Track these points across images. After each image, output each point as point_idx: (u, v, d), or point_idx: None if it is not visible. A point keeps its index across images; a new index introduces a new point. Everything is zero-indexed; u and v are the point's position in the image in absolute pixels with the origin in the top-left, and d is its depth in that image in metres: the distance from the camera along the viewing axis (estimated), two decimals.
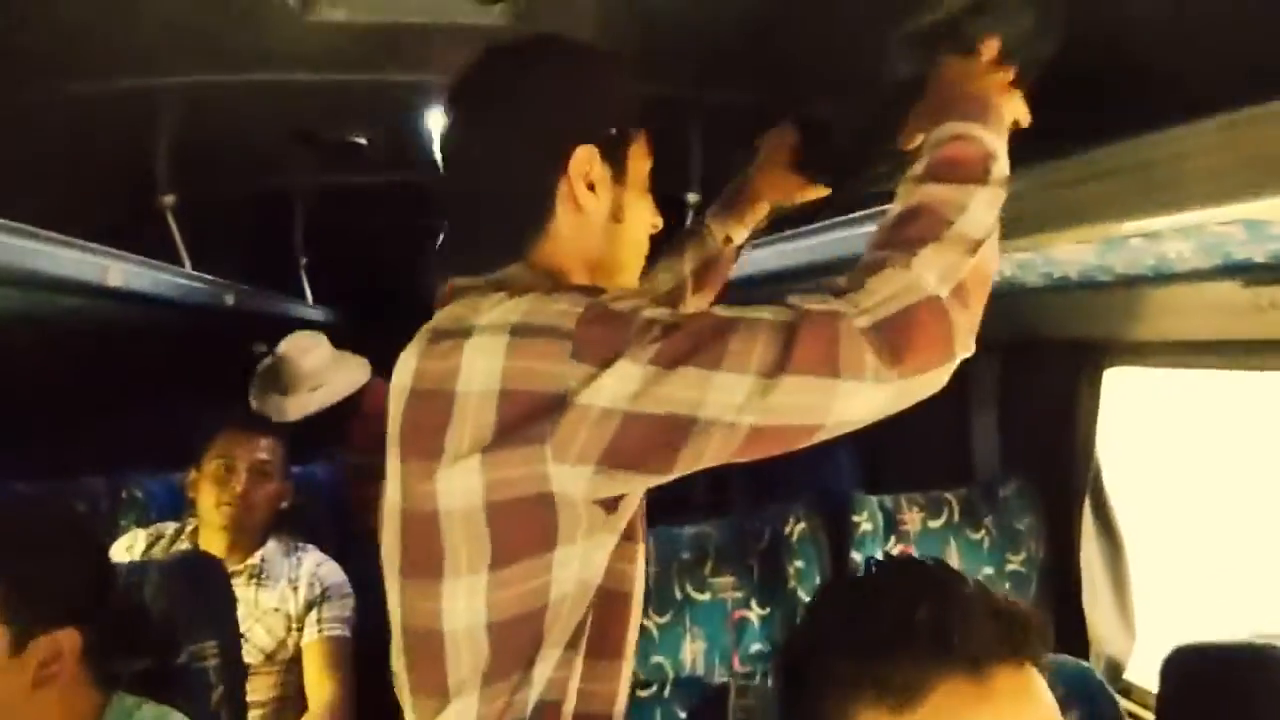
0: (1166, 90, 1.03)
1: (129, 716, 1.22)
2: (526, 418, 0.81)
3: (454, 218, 1.07)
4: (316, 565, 2.12)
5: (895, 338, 0.82)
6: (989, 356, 2.17)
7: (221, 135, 1.96)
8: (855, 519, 1.85)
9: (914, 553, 1.91)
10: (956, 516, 1.95)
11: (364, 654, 2.06)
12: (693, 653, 1.70)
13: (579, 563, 0.87)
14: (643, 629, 1.66)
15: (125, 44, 1.38)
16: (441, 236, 1.08)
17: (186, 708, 1.28)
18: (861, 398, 0.82)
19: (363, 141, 2.08)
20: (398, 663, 0.94)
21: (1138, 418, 1.91)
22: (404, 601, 0.91)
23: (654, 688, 1.69)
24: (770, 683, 1.63)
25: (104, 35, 1.33)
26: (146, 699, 1.25)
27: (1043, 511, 1.94)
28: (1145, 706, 1.78)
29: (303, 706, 2.03)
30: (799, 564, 1.78)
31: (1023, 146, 1.03)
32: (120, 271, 1.75)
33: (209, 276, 2.43)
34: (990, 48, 1.04)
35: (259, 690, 1.99)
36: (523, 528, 0.84)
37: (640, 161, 1.05)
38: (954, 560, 1.92)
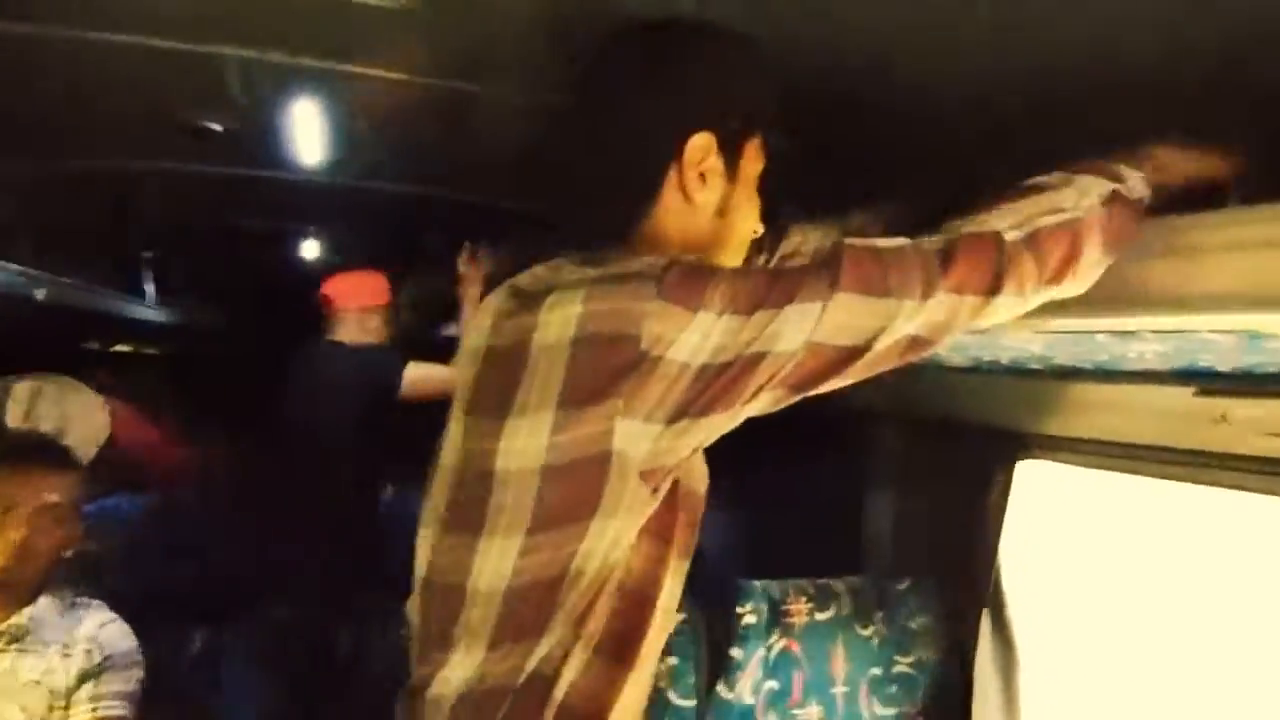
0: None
1: None
2: (601, 370, 0.81)
3: (560, 190, 1.06)
4: (99, 627, 1.71)
5: (949, 251, 0.88)
6: (892, 430, 2.01)
7: (44, 101, 1.59)
8: (739, 610, 1.63)
9: (797, 649, 1.71)
10: (846, 609, 1.77)
11: None
12: None
13: (610, 538, 0.86)
14: None
15: None
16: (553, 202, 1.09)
17: None
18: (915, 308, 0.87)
19: (218, 128, 1.75)
20: (414, 613, 0.95)
21: (1043, 512, 1.77)
22: (436, 556, 0.91)
23: None
24: None
25: None
26: None
27: (939, 612, 1.77)
28: None
29: None
30: (672, 661, 1.55)
31: None
32: None
33: (14, 266, 2.04)
34: None
35: None
36: (571, 493, 0.84)
37: (754, 161, 1.01)
38: (839, 659, 1.73)
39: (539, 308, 0.84)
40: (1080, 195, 0.91)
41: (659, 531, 0.93)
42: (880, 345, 0.86)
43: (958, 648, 1.76)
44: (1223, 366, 1.15)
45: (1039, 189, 0.93)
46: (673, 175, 0.96)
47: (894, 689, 1.76)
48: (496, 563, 0.86)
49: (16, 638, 1.64)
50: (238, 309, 3.92)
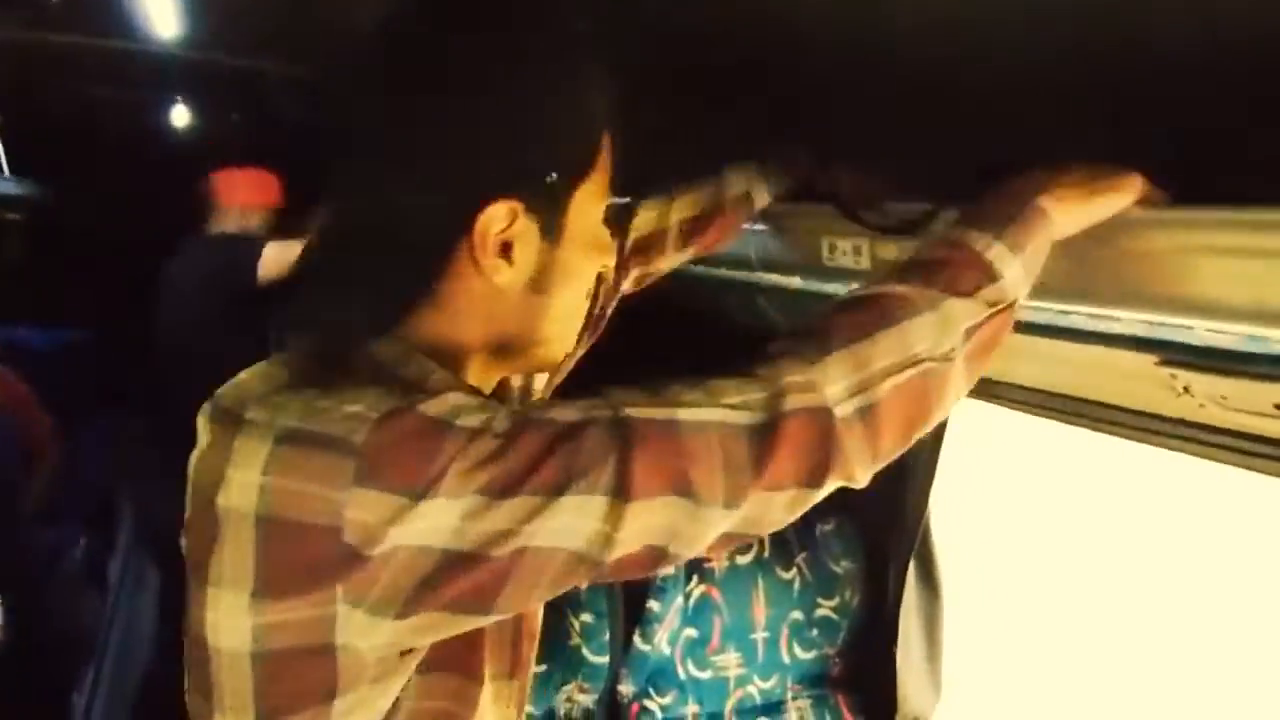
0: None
1: None
2: (297, 563, 0.62)
3: (321, 255, 0.76)
4: None
5: (768, 436, 0.66)
6: None
7: None
8: None
9: (717, 595, 1.63)
10: (767, 552, 1.69)
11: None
12: None
13: (362, 709, 0.68)
14: None
15: None
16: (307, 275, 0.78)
17: None
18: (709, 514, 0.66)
19: None
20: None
21: (975, 457, 1.71)
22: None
23: None
24: None
25: None
26: None
27: (864, 554, 1.71)
28: None
29: None
30: (585, 618, 1.45)
31: None
32: None
33: None
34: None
35: None
36: (291, 686, 0.66)
37: (591, 205, 0.75)
38: (760, 604, 1.66)
39: (229, 449, 0.64)
40: (942, 331, 0.71)
41: (464, 669, 0.74)
42: (679, 552, 0.67)
43: (882, 592, 1.70)
44: (1194, 341, 1.05)
45: (891, 312, 0.71)
46: (463, 249, 0.71)
47: (814, 633, 1.71)
48: None
49: None
50: (104, 183, 3.61)
